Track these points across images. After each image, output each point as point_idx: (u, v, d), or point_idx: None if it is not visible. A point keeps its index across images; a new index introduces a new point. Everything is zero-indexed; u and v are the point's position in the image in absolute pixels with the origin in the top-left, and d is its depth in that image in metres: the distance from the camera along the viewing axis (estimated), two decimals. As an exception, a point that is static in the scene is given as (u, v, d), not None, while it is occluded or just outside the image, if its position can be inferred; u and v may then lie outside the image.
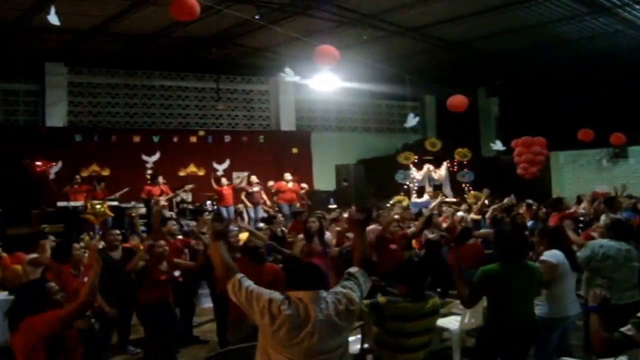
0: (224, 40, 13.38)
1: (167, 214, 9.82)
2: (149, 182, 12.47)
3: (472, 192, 14.92)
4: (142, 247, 6.44)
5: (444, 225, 8.59)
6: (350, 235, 6.81)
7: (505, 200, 9.60)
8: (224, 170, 15.10)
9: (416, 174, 15.53)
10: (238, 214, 12.86)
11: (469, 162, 15.93)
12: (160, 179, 12.25)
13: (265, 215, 12.88)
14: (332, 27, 12.29)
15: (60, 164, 13.26)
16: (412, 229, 7.80)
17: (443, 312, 5.39)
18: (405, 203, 13.77)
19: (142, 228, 9.97)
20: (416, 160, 15.62)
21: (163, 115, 15.76)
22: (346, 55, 9.73)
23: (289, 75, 11.15)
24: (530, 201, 10.27)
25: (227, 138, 15.79)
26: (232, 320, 4.90)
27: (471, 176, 15.65)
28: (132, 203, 11.92)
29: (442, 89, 14.71)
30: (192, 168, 15.08)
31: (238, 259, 5.15)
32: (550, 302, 4.48)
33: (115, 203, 11.48)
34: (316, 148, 16.93)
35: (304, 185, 13.63)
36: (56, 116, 14.15)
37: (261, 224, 11.77)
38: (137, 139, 14.67)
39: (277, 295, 2.79)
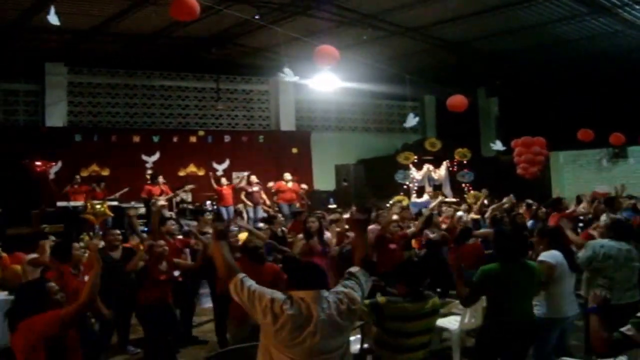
0: (223, 40, 13.38)
1: (167, 213, 9.82)
2: (148, 182, 12.48)
3: (471, 192, 14.92)
4: (142, 247, 6.44)
5: (444, 225, 8.59)
6: (351, 234, 6.84)
7: (505, 200, 9.60)
8: (224, 170, 15.10)
9: (416, 174, 15.53)
10: (238, 213, 12.86)
11: (469, 162, 15.93)
12: (161, 179, 12.26)
13: (265, 215, 12.89)
14: (332, 27, 12.29)
15: (60, 164, 13.27)
16: (412, 229, 7.80)
17: (443, 312, 5.39)
18: (405, 203, 13.77)
19: (142, 228, 9.98)
20: (416, 160, 15.62)
21: (163, 115, 15.76)
22: (346, 55, 9.73)
23: (288, 76, 11.16)
24: (530, 201, 10.29)
25: (227, 138, 15.79)
26: (232, 320, 4.90)
27: (471, 176, 15.66)
28: (132, 203, 11.92)
29: (442, 89, 14.71)
30: (191, 168, 15.08)
31: (238, 258, 5.14)
32: (548, 303, 4.48)
33: (115, 203, 11.47)
34: (316, 148, 16.93)
35: (304, 185, 13.63)
36: (56, 116, 14.15)
37: (261, 224, 11.79)
38: (137, 139, 14.67)
39: (279, 294, 2.80)
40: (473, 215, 9.49)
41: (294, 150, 16.60)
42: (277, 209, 12.72)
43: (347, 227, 7.45)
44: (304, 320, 2.71)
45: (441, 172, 15.80)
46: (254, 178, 13.21)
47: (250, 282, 2.87)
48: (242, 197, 12.97)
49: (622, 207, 8.53)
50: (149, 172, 13.76)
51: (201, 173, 14.92)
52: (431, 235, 8.17)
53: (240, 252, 5.39)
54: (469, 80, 16.58)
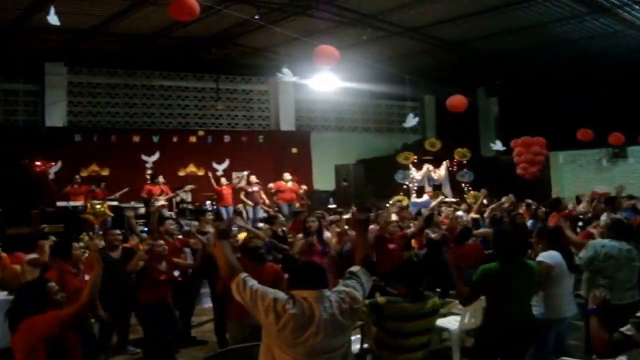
0: (223, 40, 13.38)
1: (167, 213, 9.81)
2: (148, 182, 12.48)
3: (471, 192, 14.92)
4: (141, 247, 6.44)
5: (443, 225, 8.59)
6: (351, 233, 6.84)
7: (504, 199, 9.60)
8: (224, 170, 15.09)
9: (416, 174, 15.53)
10: (238, 213, 12.86)
11: (469, 162, 15.93)
12: (161, 179, 12.26)
13: (264, 215, 12.89)
14: (331, 27, 12.28)
15: (59, 163, 13.26)
16: (412, 229, 7.81)
17: (443, 312, 5.39)
18: (405, 203, 13.77)
19: (142, 228, 9.98)
20: (416, 160, 15.62)
21: (163, 115, 15.75)
22: (346, 55, 9.73)
23: (286, 75, 11.14)
24: (529, 201, 10.29)
25: (227, 138, 15.79)
26: (232, 320, 4.90)
27: (471, 176, 15.65)
28: (132, 203, 11.92)
29: (441, 89, 14.74)
30: (191, 168, 15.08)
31: (238, 259, 5.14)
32: (546, 303, 4.48)
33: (115, 203, 11.47)
34: (316, 148, 16.93)
35: (304, 186, 13.62)
36: (56, 116, 14.15)
37: (261, 224, 11.80)
38: (136, 138, 14.67)
39: (281, 294, 2.81)
40: (473, 215, 9.49)
41: (294, 150, 16.59)
42: (276, 209, 12.72)
43: (346, 227, 7.45)
44: (307, 319, 2.72)
45: (441, 172, 15.80)
46: (253, 178, 13.22)
47: (253, 282, 2.88)
48: (242, 196, 12.97)
49: (622, 207, 8.54)
50: (149, 172, 13.76)
51: (201, 173, 14.91)
52: (432, 235, 8.17)
53: (240, 252, 5.39)
54: (468, 80, 16.58)
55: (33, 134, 13.51)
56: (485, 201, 10.27)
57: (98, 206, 10.43)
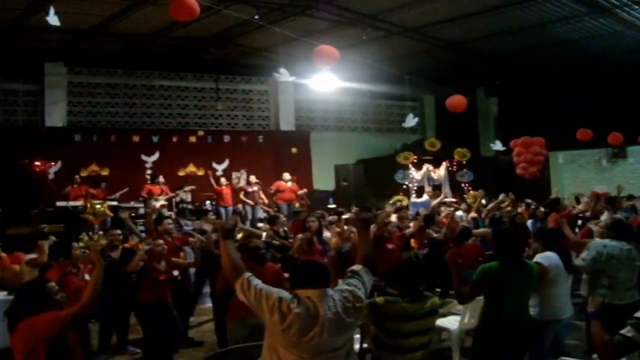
0: (223, 40, 13.37)
1: (167, 213, 9.81)
2: (148, 181, 12.48)
3: (471, 192, 14.92)
4: (141, 247, 6.44)
5: (443, 225, 8.59)
6: (350, 230, 6.85)
7: (500, 197, 9.60)
8: (224, 170, 15.08)
9: (415, 174, 15.53)
10: (238, 213, 12.87)
11: (468, 162, 15.93)
12: (161, 179, 12.26)
13: (264, 215, 12.90)
14: (331, 27, 12.28)
15: (59, 163, 13.25)
16: (411, 229, 7.82)
17: (442, 312, 5.39)
18: (405, 203, 13.77)
19: (142, 228, 9.97)
20: (415, 160, 15.62)
21: (162, 115, 15.75)
22: (345, 55, 9.72)
23: (283, 76, 11.13)
24: (529, 200, 10.31)
25: (227, 138, 15.78)
26: (232, 320, 4.90)
27: (470, 176, 15.66)
28: (132, 203, 11.92)
29: (441, 89, 14.73)
30: (191, 168, 15.08)
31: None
32: (542, 304, 4.48)
33: (115, 203, 11.46)
34: (315, 148, 16.92)
35: (304, 190, 13.61)
36: (55, 116, 14.14)
37: (260, 224, 11.82)
38: (136, 138, 14.66)
39: (285, 293, 2.81)
40: (473, 214, 9.50)
41: (294, 150, 16.59)
42: (276, 209, 12.72)
43: (345, 227, 7.46)
44: (312, 318, 2.72)
45: (441, 172, 15.80)
46: (253, 178, 13.22)
47: (257, 282, 2.88)
48: (242, 196, 12.97)
49: (622, 207, 8.57)
50: (149, 172, 13.77)
51: (200, 173, 14.90)
52: (434, 235, 8.17)
53: (240, 252, 5.39)
54: (468, 80, 16.59)
55: (33, 134, 13.51)
56: (484, 201, 10.28)
57: (98, 206, 10.42)
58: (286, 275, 5.59)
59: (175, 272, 6.06)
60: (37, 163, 12.17)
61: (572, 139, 13.68)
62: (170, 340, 5.86)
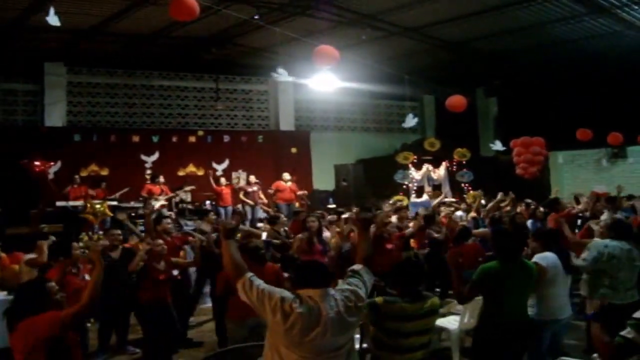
0: (223, 40, 13.37)
1: (166, 213, 9.81)
2: (148, 181, 12.48)
3: (471, 192, 14.92)
4: (141, 247, 6.45)
5: (442, 225, 8.59)
6: (351, 230, 6.85)
7: (499, 196, 9.61)
8: (223, 170, 15.08)
9: (415, 174, 15.53)
10: (238, 213, 12.87)
11: (468, 162, 15.93)
12: (161, 179, 12.27)
13: (264, 215, 12.91)
14: (331, 27, 12.28)
15: (59, 163, 13.24)
16: (410, 229, 7.82)
17: (442, 312, 5.39)
18: (404, 203, 13.78)
19: (142, 228, 9.97)
20: (415, 160, 15.62)
21: (162, 115, 15.75)
22: (345, 55, 9.72)
23: (282, 75, 11.13)
24: (529, 200, 10.32)
25: (226, 138, 15.77)
26: (232, 321, 4.90)
27: (470, 176, 15.66)
28: (131, 203, 11.91)
29: (441, 89, 14.74)
30: (191, 168, 15.07)
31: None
32: (540, 304, 4.48)
33: (115, 203, 11.46)
34: (315, 148, 16.92)
35: (304, 192, 13.60)
36: (55, 116, 14.13)
37: (260, 224, 11.82)
38: (136, 138, 14.65)
39: (287, 293, 2.82)
40: (473, 214, 9.50)
41: (293, 150, 16.58)
42: (275, 209, 12.73)
43: (344, 226, 7.47)
44: (314, 318, 2.73)
45: (440, 172, 15.80)
46: (253, 178, 13.22)
47: (259, 282, 2.88)
48: (241, 196, 12.97)
49: (622, 207, 8.58)
50: (148, 172, 13.78)
51: (200, 173, 14.90)
52: (435, 235, 8.16)
53: (240, 252, 5.39)
54: (468, 80, 16.59)
55: (32, 134, 13.49)
56: (483, 201, 10.29)
57: (98, 206, 10.43)
58: (286, 275, 5.61)
59: (175, 272, 6.07)
60: (37, 163, 12.16)
61: (571, 139, 13.68)
62: (170, 340, 5.86)
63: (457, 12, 11.61)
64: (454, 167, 15.89)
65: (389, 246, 7.02)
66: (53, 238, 6.98)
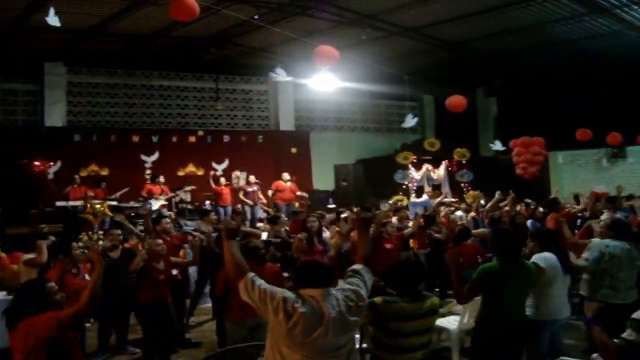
0: (223, 40, 13.37)
1: (166, 213, 9.82)
2: (148, 181, 12.48)
3: (471, 192, 14.93)
4: (140, 248, 6.46)
5: (442, 225, 8.60)
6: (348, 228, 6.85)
7: (497, 196, 9.61)
8: (223, 170, 15.08)
9: (415, 174, 15.52)
10: (238, 213, 12.88)
11: (468, 162, 15.93)
12: (161, 179, 12.27)
13: (263, 215, 12.91)
14: (331, 27, 12.29)
15: (59, 163, 13.24)
16: (409, 229, 7.83)
17: (442, 312, 5.39)
18: (404, 203, 13.79)
19: (141, 227, 9.97)
20: (415, 160, 15.61)
21: (162, 115, 15.75)
22: (345, 55, 9.72)
23: (280, 76, 11.11)
24: (529, 200, 10.33)
25: (226, 138, 15.77)
26: (231, 321, 4.90)
27: (470, 176, 15.66)
28: (131, 203, 11.91)
29: (441, 89, 14.74)
30: (191, 168, 15.07)
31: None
32: (539, 304, 4.47)
33: (115, 203, 11.46)
34: (315, 148, 16.92)
35: (304, 194, 13.60)
36: (55, 116, 14.13)
37: (260, 224, 11.83)
38: (136, 138, 14.65)
39: (290, 293, 2.82)
40: (472, 214, 9.51)
41: (293, 150, 16.58)
42: (275, 209, 12.72)
43: (344, 226, 7.47)
44: (316, 318, 2.73)
45: (440, 172, 15.80)
46: (252, 178, 13.22)
47: (261, 281, 2.89)
48: (241, 196, 12.97)
49: (621, 206, 8.59)
50: (148, 172, 13.78)
51: (200, 173, 14.90)
52: (436, 235, 8.17)
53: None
54: (468, 80, 16.59)
55: (32, 134, 13.49)
56: (482, 201, 10.29)
57: (98, 206, 10.43)
58: (285, 275, 5.61)
59: (174, 272, 6.07)
60: (37, 163, 12.16)
61: (571, 139, 13.69)
62: (169, 340, 5.87)
63: (457, 12, 11.61)
64: (454, 167, 15.89)
65: (388, 246, 7.03)
66: (52, 238, 6.98)
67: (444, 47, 14.11)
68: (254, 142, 16.12)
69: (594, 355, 3.58)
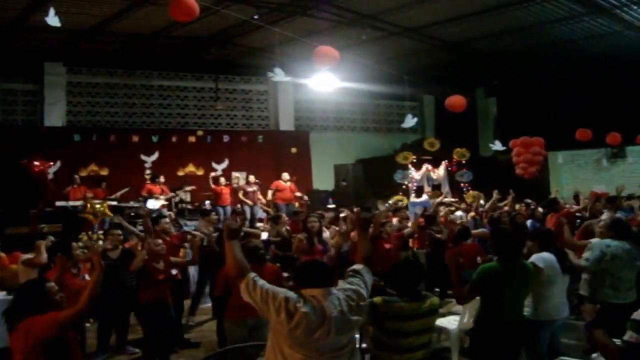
0: (223, 40, 13.37)
1: (166, 213, 9.82)
2: (148, 181, 12.49)
3: (470, 192, 14.92)
4: (140, 248, 6.45)
5: (442, 225, 8.59)
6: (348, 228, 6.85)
7: (495, 195, 9.61)
8: (223, 170, 15.08)
9: (415, 174, 15.52)
10: (238, 213, 12.88)
11: (468, 162, 15.92)
12: (162, 179, 12.28)
13: (263, 214, 12.92)
14: (331, 27, 12.29)
15: (58, 163, 13.25)
16: (408, 229, 7.82)
17: (442, 312, 5.40)
18: (404, 203, 13.78)
19: (140, 227, 9.97)
20: (415, 160, 15.60)
21: (162, 115, 15.75)
22: (345, 55, 9.72)
23: (278, 75, 11.11)
24: (529, 200, 10.33)
25: (226, 138, 15.77)
26: (230, 321, 4.90)
27: (470, 176, 15.65)
28: (131, 203, 11.92)
29: (440, 89, 14.73)
30: (190, 168, 15.07)
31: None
32: (536, 305, 4.48)
33: (114, 203, 11.46)
34: (315, 148, 16.92)
35: (305, 197, 13.60)
36: (55, 116, 14.13)
37: (260, 224, 11.83)
38: (135, 138, 14.64)
39: (291, 293, 2.82)
40: (472, 214, 9.50)
41: (293, 150, 16.58)
42: (275, 209, 12.72)
43: (344, 226, 7.48)
44: (318, 317, 2.73)
45: (440, 172, 15.78)
46: (252, 178, 13.22)
47: (262, 282, 2.89)
48: (240, 196, 12.97)
49: (621, 206, 8.59)
50: (148, 172, 13.77)
51: (200, 173, 14.91)
52: (437, 235, 8.16)
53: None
54: (467, 80, 16.59)
55: (32, 134, 13.49)
56: (482, 202, 10.29)
57: (98, 206, 10.43)
58: (285, 275, 5.61)
59: (174, 271, 6.07)
60: (36, 163, 12.16)
61: (571, 139, 13.68)
62: (169, 340, 5.87)
63: (457, 12, 11.61)
64: (454, 167, 15.88)
65: (387, 246, 7.03)
66: (51, 238, 6.98)
67: (444, 47, 14.11)
68: (253, 142, 16.12)
69: (594, 355, 3.59)
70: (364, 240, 3.40)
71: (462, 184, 15.61)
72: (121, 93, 15.23)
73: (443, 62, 15.22)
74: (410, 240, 8.60)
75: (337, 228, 7.61)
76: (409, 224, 8.38)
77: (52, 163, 12.93)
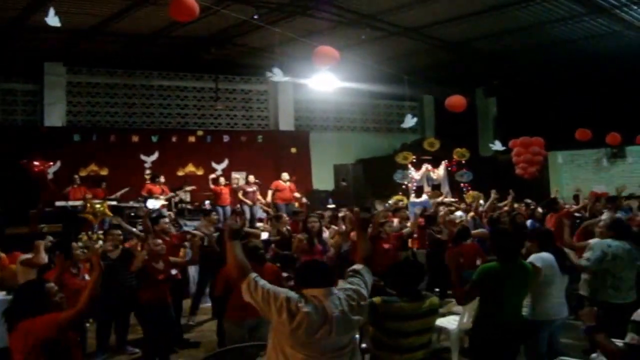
0: (223, 40, 13.37)
1: (166, 213, 9.82)
2: (148, 181, 12.49)
3: (470, 192, 14.92)
4: (139, 248, 6.45)
5: (441, 225, 8.59)
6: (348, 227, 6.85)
7: (492, 195, 9.61)
8: (223, 170, 15.08)
9: (415, 174, 15.52)
10: (238, 213, 12.87)
11: (467, 162, 15.92)
12: (162, 179, 12.27)
13: (263, 214, 12.92)
14: (330, 27, 12.28)
15: (58, 163, 13.25)
16: (408, 229, 7.82)
17: (442, 312, 5.40)
18: (405, 203, 13.78)
19: (140, 227, 9.96)
20: (414, 160, 15.60)
21: (162, 115, 15.75)
22: (345, 55, 9.71)
23: (277, 75, 11.11)
24: (528, 200, 10.33)
25: (226, 138, 15.77)
26: (229, 321, 4.90)
27: (470, 176, 15.65)
28: (131, 203, 11.92)
29: (440, 89, 14.73)
30: (190, 168, 15.07)
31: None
32: (535, 305, 4.48)
33: (114, 203, 11.46)
34: (315, 148, 16.92)
35: (304, 199, 13.60)
36: (55, 116, 14.13)
37: (260, 224, 11.83)
38: (135, 138, 14.65)
39: (292, 293, 2.83)
40: (471, 214, 9.50)
41: (293, 150, 16.58)
42: (274, 209, 12.73)
43: (344, 226, 7.48)
44: (320, 317, 2.74)
45: (440, 172, 15.79)
46: (252, 178, 13.23)
47: (264, 282, 2.89)
48: (240, 195, 12.97)
49: (622, 206, 8.60)
50: (148, 172, 13.78)
51: (200, 173, 14.91)
52: (438, 235, 8.16)
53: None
54: (467, 80, 16.59)
55: (32, 134, 13.49)
56: (482, 202, 10.29)
57: (98, 206, 10.43)
58: (284, 275, 5.62)
59: (174, 271, 6.07)
60: (36, 163, 12.16)
61: (571, 139, 13.69)
62: (169, 340, 5.87)
63: (457, 12, 11.61)
64: (454, 167, 15.88)
65: (386, 246, 7.03)
66: (50, 238, 6.98)
67: (444, 47, 14.11)
68: (253, 142, 16.12)
69: (594, 355, 3.59)
70: (364, 240, 3.40)
71: (462, 184, 15.61)
72: (121, 93, 15.23)
73: (443, 62, 15.22)
74: (410, 240, 8.60)
75: (337, 228, 7.60)
76: (408, 224, 8.37)
77: (52, 163, 12.93)
